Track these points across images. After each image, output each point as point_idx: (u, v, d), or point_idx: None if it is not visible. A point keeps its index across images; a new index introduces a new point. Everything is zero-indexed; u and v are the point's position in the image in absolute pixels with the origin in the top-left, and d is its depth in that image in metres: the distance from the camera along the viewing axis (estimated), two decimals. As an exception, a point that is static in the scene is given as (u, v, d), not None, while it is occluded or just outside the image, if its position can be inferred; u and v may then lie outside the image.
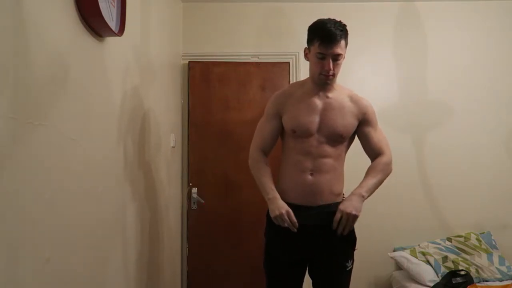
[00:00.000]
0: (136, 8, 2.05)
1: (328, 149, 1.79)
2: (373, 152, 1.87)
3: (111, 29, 1.53)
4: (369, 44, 3.34)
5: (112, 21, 1.58)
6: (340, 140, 1.81)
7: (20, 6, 1.07)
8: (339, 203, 1.76)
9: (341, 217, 1.68)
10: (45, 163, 1.17)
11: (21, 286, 1.05)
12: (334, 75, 1.77)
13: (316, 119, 1.79)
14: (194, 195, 3.22)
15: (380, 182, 1.80)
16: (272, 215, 1.72)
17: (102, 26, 1.48)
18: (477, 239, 3.05)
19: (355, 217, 1.68)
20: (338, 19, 1.80)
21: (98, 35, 1.55)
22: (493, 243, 3.07)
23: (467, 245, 3.01)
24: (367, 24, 3.36)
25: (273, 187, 1.79)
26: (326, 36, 1.70)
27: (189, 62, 3.31)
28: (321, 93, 1.83)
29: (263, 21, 3.39)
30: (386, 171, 1.84)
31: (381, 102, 3.32)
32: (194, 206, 3.23)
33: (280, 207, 1.70)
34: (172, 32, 3.06)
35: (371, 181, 1.77)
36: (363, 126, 1.86)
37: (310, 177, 1.77)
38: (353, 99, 1.86)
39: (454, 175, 3.26)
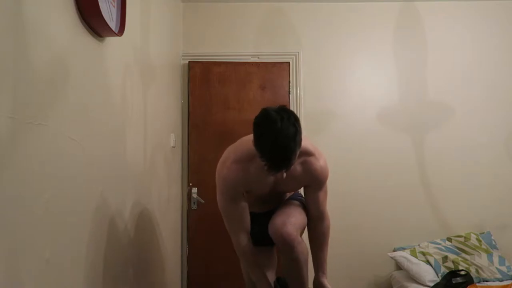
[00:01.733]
0: (136, 8, 2.05)
1: (281, 195, 1.95)
2: (316, 214, 1.87)
3: (111, 29, 1.53)
4: (369, 44, 3.34)
5: (112, 21, 1.58)
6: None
7: (20, 6, 1.07)
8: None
9: None
10: (45, 163, 1.17)
11: (21, 286, 1.05)
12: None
13: (267, 189, 1.80)
14: (194, 195, 3.22)
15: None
16: None
17: (102, 26, 1.48)
18: (477, 239, 3.05)
19: None
20: (287, 110, 1.54)
21: (98, 35, 1.55)
22: (493, 243, 3.07)
23: (467, 245, 3.01)
24: (367, 24, 3.36)
25: (268, 282, 1.79)
26: (278, 165, 1.47)
27: (189, 62, 3.31)
28: None
29: (263, 21, 3.39)
30: (329, 236, 1.91)
31: (381, 102, 3.33)
32: (194, 206, 3.23)
33: None
34: (172, 32, 3.06)
35: (326, 258, 1.90)
36: (310, 188, 1.84)
37: (271, 205, 1.93)
38: (306, 168, 1.76)
39: (454, 175, 3.26)
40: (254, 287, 1.85)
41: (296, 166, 1.72)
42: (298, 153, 1.50)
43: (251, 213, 1.82)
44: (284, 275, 1.82)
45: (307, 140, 1.72)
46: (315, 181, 1.81)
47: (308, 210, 1.89)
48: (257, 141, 1.51)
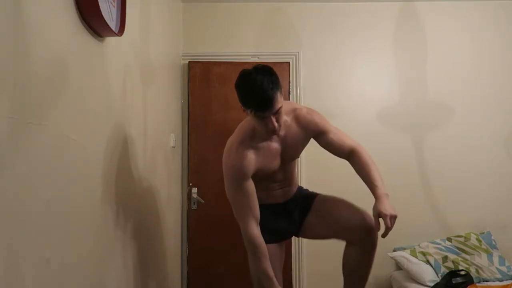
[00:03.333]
0: (136, 8, 2.05)
1: (286, 169, 1.89)
2: (343, 153, 1.85)
3: (111, 29, 1.53)
4: (369, 44, 3.34)
5: (112, 21, 1.58)
6: (296, 158, 1.92)
7: (20, 6, 1.07)
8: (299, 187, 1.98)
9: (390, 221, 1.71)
10: (45, 163, 1.17)
11: (21, 286, 1.05)
12: (280, 126, 1.65)
13: (278, 160, 1.80)
14: (194, 195, 3.22)
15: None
16: None
17: (102, 26, 1.48)
18: (477, 239, 3.05)
19: (396, 217, 1.73)
20: (263, 65, 1.67)
21: (98, 35, 1.55)
22: (493, 243, 3.07)
23: (467, 245, 3.01)
24: (367, 24, 3.36)
25: (273, 275, 1.73)
26: (261, 104, 1.55)
27: (189, 62, 3.31)
28: (275, 137, 1.77)
29: (263, 21, 3.39)
30: (373, 162, 1.84)
31: (381, 102, 3.33)
32: (194, 206, 3.23)
33: None
34: (172, 32, 3.06)
35: (378, 176, 1.78)
36: (318, 137, 1.84)
37: (279, 191, 1.91)
38: (299, 122, 1.80)
39: (454, 175, 3.26)
40: (261, 284, 1.78)
41: (291, 125, 1.78)
42: (280, 96, 1.58)
43: (264, 207, 1.80)
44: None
45: (295, 103, 1.81)
46: (313, 131, 1.80)
47: (337, 155, 1.86)
48: (240, 97, 1.63)
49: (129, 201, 1.96)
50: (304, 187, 2.10)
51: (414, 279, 2.85)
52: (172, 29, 3.04)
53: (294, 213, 1.96)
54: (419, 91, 3.33)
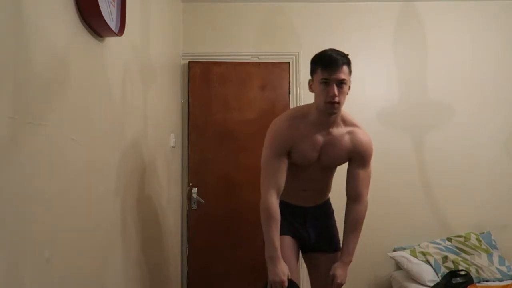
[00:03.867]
0: (136, 8, 2.05)
1: (323, 174, 1.92)
2: (352, 193, 1.88)
3: (111, 29, 1.53)
4: (369, 44, 3.34)
5: (112, 21, 1.58)
6: (333, 168, 1.94)
7: (20, 6, 1.07)
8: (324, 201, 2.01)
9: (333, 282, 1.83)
10: (45, 163, 1.17)
11: (21, 286, 1.05)
12: (339, 103, 1.70)
13: (316, 155, 1.83)
14: (194, 195, 3.22)
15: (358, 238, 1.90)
16: (271, 278, 1.72)
17: (102, 26, 1.48)
18: (477, 239, 3.05)
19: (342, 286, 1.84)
20: (341, 50, 1.78)
21: (98, 35, 1.55)
22: (493, 243, 3.07)
23: (467, 245, 3.01)
24: (367, 24, 3.36)
25: (278, 245, 1.74)
26: (328, 62, 1.67)
27: (189, 62, 3.31)
28: (324, 130, 1.80)
29: (263, 21, 3.39)
30: (363, 223, 1.90)
31: (381, 102, 3.33)
32: (194, 206, 3.23)
33: (279, 273, 1.70)
34: (172, 32, 3.06)
35: (355, 243, 1.86)
36: (353, 163, 1.87)
37: (308, 193, 1.93)
38: (353, 137, 1.83)
39: (454, 175, 3.25)
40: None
41: (344, 135, 1.82)
42: (347, 70, 1.71)
43: (286, 203, 1.86)
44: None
45: (358, 121, 1.88)
46: (359, 154, 1.84)
47: (347, 189, 1.89)
48: (311, 62, 1.76)
49: (129, 201, 1.96)
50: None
51: (414, 279, 2.85)
52: (172, 29, 3.04)
53: (309, 227, 1.96)
54: (419, 91, 3.33)
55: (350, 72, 1.73)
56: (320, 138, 1.80)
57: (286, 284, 1.70)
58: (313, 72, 1.75)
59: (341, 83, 1.68)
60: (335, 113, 1.73)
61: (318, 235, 1.95)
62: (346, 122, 1.84)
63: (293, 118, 1.82)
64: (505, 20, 3.36)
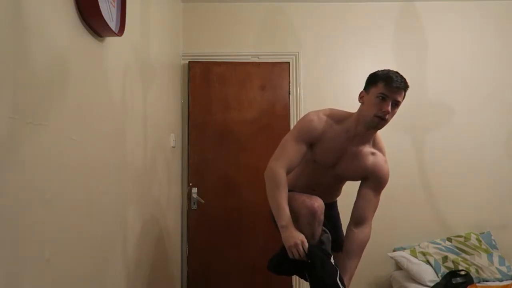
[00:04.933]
0: (136, 8, 2.05)
1: (337, 183, 1.98)
2: (361, 214, 1.90)
3: (111, 29, 1.53)
4: (369, 44, 3.34)
5: (112, 21, 1.58)
6: (347, 180, 1.98)
7: (20, 6, 1.07)
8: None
9: None
10: (45, 163, 1.17)
11: (21, 286, 1.05)
12: (386, 121, 1.75)
13: (335, 159, 1.86)
14: (194, 195, 3.22)
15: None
16: (287, 244, 1.67)
17: (102, 26, 1.48)
18: (477, 239, 3.05)
19: None
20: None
21: (98, 35, 1.55)
22: (493, 243, 3.07)
23: (467, 245, 3.01)
24: (367, 24, 3.36)
25: (288, 212, 1.72)
26: (393, 80, 1.71)
27: (189, 62, 3.31)
28: (353, 141, 1.83)
29: (263, 21, 3.39)
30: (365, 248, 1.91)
31: (381, 102, 3.32)
32: (194, 206, 3.23)
33: (297, 236, 1.67)
34: (172, 32, 3.06)
35: (355, 266, 1.88)
36: (367, 184, 1.89)
37: (315, 193, 1.89)
38: (375, 159, 1.87)
39: (454, 175, 3.25)
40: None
41: (368, 155, 1.85)
42: (404, 94, 1.77)
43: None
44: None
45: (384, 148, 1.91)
46: (376, 178, 1.86)
47: (353, 211, 1.90)
48: (373, 75, 1.78)
49: (129, 201, 1.96)
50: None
51: (414, 279, 2.85)
52: (172, 29, 3.04)
53: None
54: (419, 91, 3.33)
55: (404, 97, 1.79)
56: (345, 145, 1.83)
57: (306, 243, 1.66)
58: (371, 84, 1.77)
59: (395, 104, 1.75)
60: (378, 128, 1.78)
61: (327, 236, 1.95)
62: (375, 144, 1.89)
63: (332, 117, 1.85)
64: (505, 20, 3.36)
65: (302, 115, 3.20)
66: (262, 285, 3.15)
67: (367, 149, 1.85)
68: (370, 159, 1.85)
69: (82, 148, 1.42)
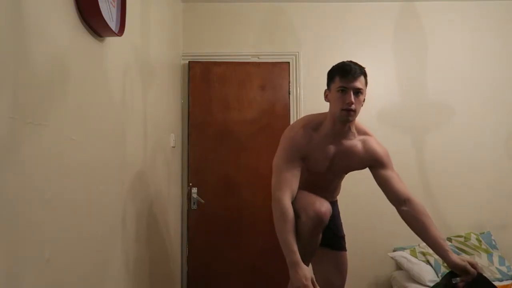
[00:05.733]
0: (136, 8, 2.05)
1: (334, 180, 1.99)
2: (396, 196, 1.86)
3: (111, 29, 1.53)
4: (369, 44, 3.34)
5: (112, 21, 1.58)
6: (343, 174, 1.99)
7: (20, 6, 1.07)
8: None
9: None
10: (45, 163, 1.17)
11: (21, 286, 1.05)
12: (355, 111, 1.74)
13: (327, 163, 1.87)
14: (194, 195, 3.22)
15: None
16: (296, 284, 1.61)
17: (102, 26, 1.48)
18: (477, 239, 3.05)
19: None
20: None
21: (98, 35, 1.55)
22: (493, 243, 3.07)
23: (467, 245, 3.01)
24: (367, 24, 3.36)
25: (296, 248, 1.67)
26: (347, 71, 1.73)
27: (189, 62, 3.31)
28: (336, 140, 1.84)
29: (263, 21, 3.39)
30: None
31: (381, 102, 3.33)
32: (194, 206, 3.23)
33: (307, 276, 1.61)
34: (172, 32, 3.06)
35: (440, 235, 1.84)
36: (377, 169, 1.88)
37: (316, 193, 1.88)
38: (365, 145, 1.88)
39: (454, 175, 3.25)
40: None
41: (357, 145, 1.85)
42: (364, 81, 1.77)
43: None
44: None
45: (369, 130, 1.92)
46: (377, 161, 1.86)
47: (388, 197, 1.88)
48: (329, 73, 1.83)
49: (129, 201, 1.96)
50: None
51: (414, 279, 2.85)
52: (172, 29, 3.04)
53: None
54: (419, 91, 3.33)
55: (366, 83, 1.79)
56: (332, 148, 1.83)
57: (311, 286, 1.61)
58: (330, 81, 1.80)
59: (357, 92, 1.73)
60: (350, 121, 1.77)
61: (325, 232, 1.93)
62: (359, 131, 1.89)
63: (307, 127, 1.84)
64: (505, 20, 3.36)
65: (302, 115, 3.21)
66: (262, 285, 3.15)
67: (354, 141, 1.86)
68: (361, 149, 1.86)
69: (82, 148, 1.42)
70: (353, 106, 1.71)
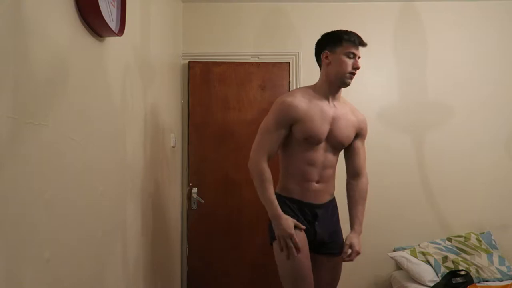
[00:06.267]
0: (136, 8, 2.05)
1: (331, 157, 1.93)
2: (355, 168, 2.00)
3: (111, 29, 1.53)
4: (369, 44, 3.31)
5: (112, 21, 1.58)
6: (340, 148, 1.98)
7: (20, 6, 1.07)
8: (331, 200, 1.99)
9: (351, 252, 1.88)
10: (45, 163, 1.17)
11: (21, 286, 1.05)
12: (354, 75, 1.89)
13: (327, 127, 1.87)
14: (194, 195, 3.22)
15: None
16: (278, 233, 1.76)
17: (102, 26, 1.48)
18: (477, 239, 3.05)
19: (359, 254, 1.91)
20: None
21: (98, 35, 1.55)
22: (493, 243, 3.07)
23: (467, 245, 3.01)
24: (367, 24, 3.35)
25: (277, 203, 1.81)
26: (358, 40, 1.86)
27: (189, 62, 3.31)
28: (330, 101, 1.91)
29: (263, 21, 3.39)
30: (367, 194, 2.01)
31: (381, 102, 3.33)
32: (194, 206, 3.23)
33: (290, 225, 1.76)
34: (172, 32, 3.06)
35: (363, 213, 1.97)
36: (357, 139, 1.98)
37: (316, 184, 1.90)
38: (356, 115, 1.98)
39: (454, 175, 3.25)
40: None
41: (348, 110, 1.94)
42: None
43: (292, 199, 1.88)
44: None
45: None
46: (362, 130, 1.97)
47: (349, 166, 2.00)
48: (331, 36, 1.89)
49: (129, 201, 1.96)
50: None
51: (414, 279, 2.85)
52: (172, 29, 3.04)
53: (318, 226, 1.91)
54: (419, 91, 3.33)
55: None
56: (328, 109, 1.88)
57: (295, 237, 1.74)
58: (335, 45, 1.86)
59: (358, 59, 1.88)
60: (348, 84, 1.88)
61: (327, 236, 1.93)
62: (344, 101, 1.99)
63: (302, 89, 1.94)
64: (505, 20, 3.35)
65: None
66: (262, 285, 3.15)
67: (345, 107, 1.95)
68: (352, 115, 1.95)
69: (82, 148, 1.42)
70: (357, 71, 1.86)
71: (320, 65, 1.96)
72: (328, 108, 1.88)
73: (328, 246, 1.93)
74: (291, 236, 1.73)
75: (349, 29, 1.95)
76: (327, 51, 1.88)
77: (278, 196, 1.86)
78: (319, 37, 1.97)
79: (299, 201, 1.88)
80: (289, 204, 1.86)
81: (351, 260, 1.88)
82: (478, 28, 3.35)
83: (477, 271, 2.81)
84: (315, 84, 1.94)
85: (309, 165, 1.87)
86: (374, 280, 3.23)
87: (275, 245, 1.84)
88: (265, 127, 1.89)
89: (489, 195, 3.24)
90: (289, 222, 1.76)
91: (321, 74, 1.94)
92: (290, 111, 1.83)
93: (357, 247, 1.86)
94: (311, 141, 1.85)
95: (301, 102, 1.84)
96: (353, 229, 1.92)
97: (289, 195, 1.89)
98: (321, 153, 1.88)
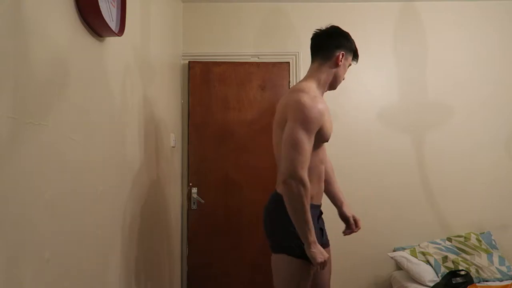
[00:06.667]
0: (136, 8, 2.05)
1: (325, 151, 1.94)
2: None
3: (111, 29, 1.53)
4: (369, 44, 3.34)
5: (112, 21, 1.58)
6: None
7: (20, 6, 1.07)
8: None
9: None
10: (45, 163, 1.17)
11: (21, 286, 1.05)
12: None
13: (331, 129, 1.86)
14: (194, 195, 3.22)
15: None
16: (318, 260, 1.64)
17: (102, 26, 1.48)
18: (477, 239, 3.05)
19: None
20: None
21: (98, 35, 1.55)
22: (493, 243, 3.07)
23: (467, 245, 3.01)
24: (367, 24, 3.36)
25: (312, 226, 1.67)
26: (357, 55, 1.96)
27: (189, 62, 3.31)
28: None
29: (263, 21, 3.39)
30: None
31: (381, 102, 3.33)
32: (194, 206, 3.23)
33: (325, 253, 1.67)
34: (172, 32, 3.06)
35: (339, 188, 2.10)
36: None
37: (323, 183, 1.91)
38: None
39: (454, 175, 3.25)
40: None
41: None
42: None
43: (314, 205, 1.83)
44: None
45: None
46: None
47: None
48: (351, 41, 1.99)
49: (129, 201, 1.96)
50: None
51: (414, 279, 2.85)
52: (172, 29, 3.04)
53: (322, 223, 1.91)
54: (419, 91, 3.33)
55: None
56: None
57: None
58: (349, 52, 1.93)
59: None
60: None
61: (324, 231, 1.92)
62: None
63: (317, 92, 1.81)
64: (505, 20, 3.35)
65: (302, 115, 3.22)
66: (262, 285, 3.15)
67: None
68: None
69: (82, 148, 1.42)
70: None
71: (326, 56, 1.84)
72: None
73: (326, 238, 1.92)
74: (326, 260, 1.67)
75: (349, 29, 1.96)
76: (344, 53, 1.87)
77: None
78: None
79: (315, 205, 1.80)
80: (312, 214, 1.71)
81: (359, 228, 2.01)
82: (478, 28, 3.35)
83: (477, 271, 2.81)
84: (318, 79, 1.83)
85: (321, 163, 1.83)
86: (374, 280, 3.23)
87: (286, 258, 1.73)
88: (301, 139, 1.66)
89: (489, 195, 3.24)
90: (319, 247, 1.67)
91: (327, 71, 1.84)
92: (323, 119, 1.71)
93: (357, 216, 2.01)
94: (324, 140, 1.79)
95: (325, 106, 1.74)
96: (343, 203, 2.03)
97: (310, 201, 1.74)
98: (324, 151, 1.90)
